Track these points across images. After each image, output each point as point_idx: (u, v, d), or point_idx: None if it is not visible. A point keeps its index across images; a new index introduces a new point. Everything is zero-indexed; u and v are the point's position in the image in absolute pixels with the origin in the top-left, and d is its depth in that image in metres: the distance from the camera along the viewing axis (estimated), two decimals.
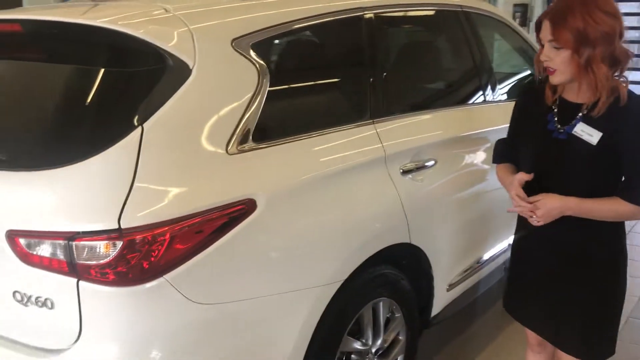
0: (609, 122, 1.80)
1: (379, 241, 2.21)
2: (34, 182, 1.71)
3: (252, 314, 1.82)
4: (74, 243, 1.60)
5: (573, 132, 1.84)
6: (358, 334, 2.31)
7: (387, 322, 2.45)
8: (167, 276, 1.64)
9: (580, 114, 1.85)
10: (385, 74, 2.38)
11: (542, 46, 1.85)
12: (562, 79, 1.82)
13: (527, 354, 2.32)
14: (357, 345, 2.27)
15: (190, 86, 1.76)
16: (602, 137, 1.80)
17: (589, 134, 1.81)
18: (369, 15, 2.34)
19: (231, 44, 1.89)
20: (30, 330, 1.78)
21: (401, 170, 2.33)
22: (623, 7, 8.59)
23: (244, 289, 1.79)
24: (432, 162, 2.49)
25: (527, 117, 2.02)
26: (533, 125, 1.96)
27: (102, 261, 1.60)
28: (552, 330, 2.07)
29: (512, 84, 3.34)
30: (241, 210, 1.76)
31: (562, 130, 1.87)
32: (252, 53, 1.92)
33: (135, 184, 1.62)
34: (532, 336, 2.22)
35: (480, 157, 2.79)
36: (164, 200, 1.65)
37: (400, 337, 2.52)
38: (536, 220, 1.88)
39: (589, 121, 1.82)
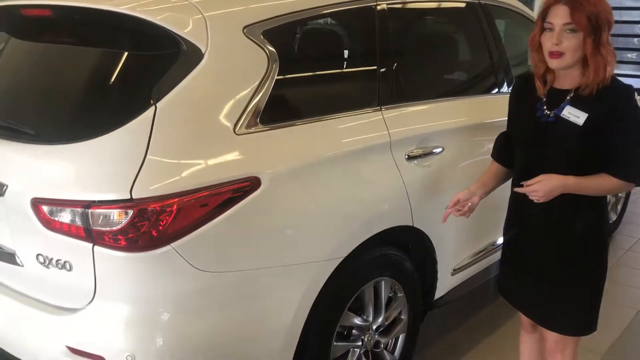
0: (595, 104, 1.89)
1: (380, 222, 2.32)
2: (56, 154, 1.87)
3: (253, 284, 1.95)
4: (90, 211, 1.76)
5: (561, 115, 1.93)
6: (360, 311, 2.42)
7: (389, 301, 2.56)
8: (174, 244, 1.78)
9: (568, 97, 1.95)
10: (395, 63, 2.47)
11: (543, 30, 1.91)
12: (567, 63, 1.89)
13: (520, 335, 2.40)
14: (357, 320, 2.39)
15: (201, 70, 1.89)
16: (587, 118, 1.89)
17: (576, 116, 1.91)
18: (380, 5, 2.43)
19: (243, 31, 2.01)
20: (51, 290, 1.96)
21: (406, 156, 2.42)
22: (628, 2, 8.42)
23: (246, 260, 1.93)
24: (440, 149, 2.58)
25: (518, 106, 2.12)
26: (524, 114, 2.05)
27: (114, 228, 1.75)
28: (537, 309, 2.16)
29: None
30: (246, 186, 1.89)
31: (551, 114, 1.96)
32: (263, 40, 2.04)
33: (147, 159, 1.77)
34: (524, 317, 2.30)
35: (489, 146, 2.85)
36: (173, 174, 1.79)
37: (402, 317, 2.63)
38: (536, 198, 1.96)
39: (576, 104, 1.92)
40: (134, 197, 1.73)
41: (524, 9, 3.43)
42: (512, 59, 3.15)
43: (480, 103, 2.85)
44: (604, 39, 1.88)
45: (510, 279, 2.25)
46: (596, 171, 1.95)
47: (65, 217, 1.81)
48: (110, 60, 1.99)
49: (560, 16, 1.86)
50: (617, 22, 2.11)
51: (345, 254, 2.19)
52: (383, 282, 2.47)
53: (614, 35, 1.95)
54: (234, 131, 1.92)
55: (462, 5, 2.99)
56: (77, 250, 1.82)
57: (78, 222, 1.79)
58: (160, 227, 1.76)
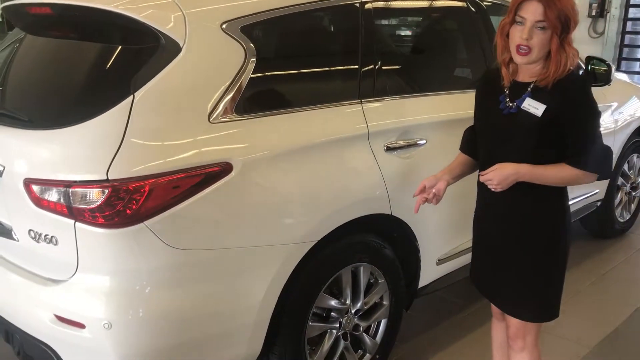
0: (553, 96, 1.96)
1: (355, 209, 2.43)
2: (46, 139, 2.06)
3: (224, 262, 2.10)
4: (71, 190, 1.93)
5: (522, 106, 2.01)
6: (338, 294, 2.54)
7: (370, 286, 2.67)
8: (147, 222, 1.94)
9: (528, 89, 2.02)
10: (376, 59, 2.57)
11: (512, 23, 1.97)
12: (532, 59, 1.97)
13: (492, 322, 2.47)
14: (334, 303, 2.50)
15: (178, 62, 2.04)
16: (546, 109, 1.96)
17: (535, 107, 1.98)
18: (359, 3, 2.54)
19: (221, 27, 2.15)
20: (41, 263, 2.14)
21: (385, 147, 2.52)
22: None
23: (216, 239, 2.07)
24: (423, 142, 2.68)
25: (483, 99, 2.19)
26: (488, 106, 2.14)
27: (92, 205, 1.92)
28: (500, 296, 2.23)
29: None
30: (216, 171, 2.03)
31: (512, 106, 2.04)
32: (241, 35, 2.18)
33: (124, 144, 1.93)
34: (493, 305, 2.36)
35: None
36: (147, 158, 1.95)
37: (383, 302, 2.73)
38: (493, 187, 2.05)
39: (535, 96, 2.00)
40: (109, 177, 1.90)
41: None
42: None
43: (464, 98, 2.92)
44: (569, 37, 1.96)
45: (478, 266, 2.33)
46: (556, 161, 2.01)
47: (52, 195, 1.99)
48: (95, 53, 2.19)
49: (533, 13, 1.92)
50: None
51: (318, 239, 2.31)
52: (362, 268, 2.58)
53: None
54: (209, 120, 2.07)
55: (450, 0, 3.06)
56: (62, 226, 1.99)
57: (62, 200, 1.96)
58: (134, 206, 1.92)
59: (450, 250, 2.94)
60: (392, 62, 2.81)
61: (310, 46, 2.54)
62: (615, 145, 4.13)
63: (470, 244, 2.99)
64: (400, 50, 3.08)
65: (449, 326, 3.34)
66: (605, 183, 4.18)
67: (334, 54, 2.62)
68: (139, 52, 2.10)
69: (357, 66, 2.52)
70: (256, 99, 2.22)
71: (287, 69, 2.44)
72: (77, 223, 1.96)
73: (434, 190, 2.22)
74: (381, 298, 2.72)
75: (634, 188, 4.63)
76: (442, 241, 2.89)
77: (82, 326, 2.01)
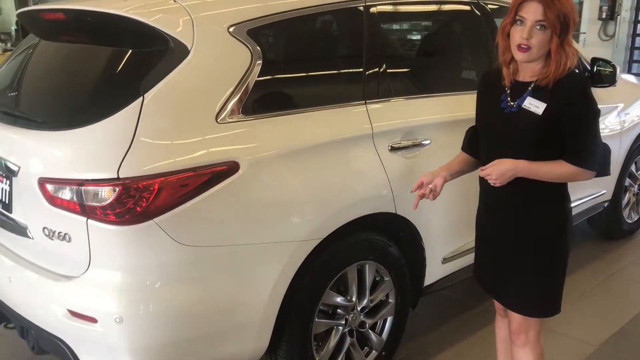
0: (553, 95, 2.01)
1: (360, 208, 2.48)
2: (60, 139, 2.13)
3: (230, 259, 2.16)
4: (83, 188, 2.00)
5: (523, 105, 2.05)
6: (344, 291, 2.59)
7: (376, 284, 2.72)
8: (157, 220, 2.00)
9: (529, 88, 2.06)
10: (381, 61, 2.63)
11: (512, 23, 2.02)
12: (532, 57, 2.01)
13: (495, 319, 2.51)
14: (340, 300, 2.55)
15: (186, 64, 2.11)
16: (546, 108, 2.01)
17: (536, 106, 2.03)
18: (366, 6, 2.59)
19: (228, 30, 2.22)
20: (55, 260, 2.21)
21: (389, 147, 2.58)
22: None
23: (224, 236, 2.13)
24: (427, 142, 2.72)
25: (485, 99, 2.24)
26: (489, 106, 2.18)
27: (104, 203, 1.98)
28: (503, 292, 2.27)
29: None
30: (223, 170, 2.09)
31: (513, 105, 2.09)
32: (247, 38, 2.25)
33: (134, 143, 2.00)
34: (496, 302, 2.40)
35: None
36: (157, 157, 2.01)
37: (389, 300, 2.77)
38: (492, 182, 2.09)
39: (536, 95, 2.04)
40: (120, 176, 1.97)
41: None
42: None
43: (467, 99, 2.97)
44: (569, 37, 2.00)
45: (481, 264, 2.37)
46: (556, 159, 2.05)
47: (65, 194, 2.06)
48: (106, 57, 2.26)
49: (533, 12, 1.96)
50: None
51: (324, 236, 2.36)
52: (367, 266, 2.63)
53: None
54: (216, 120, 2.13)
55: (455, 4, 3.11)
56: (75, 223, 2.06)
57: (75, 198, 2.03)
58: (144, 204, 1.98)
59: (455, 249, 2.98)
60: (396, 64, 2.87)
61: (316, 49, 2.61)
62: (622, 146, 4.15)
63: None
64: (404, 52, 3.14)
65: (455, 325, 3.38)
66: (612, 184, 4.20)
67: (338, 56, 2.69)
68: (148, 55, 2.17)
69: (361, 68, 2.57)
70: (262, 100, 2.28)
71: (292, 71, 2.50)
72: (89, 220, 2.02)
73: (430, 186, 2.26)
74: (387, 296, 2.77)
75: None
76: (447, 240, 2.93)
77: (94, 321, 2.08)
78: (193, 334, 2.12)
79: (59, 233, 2.12)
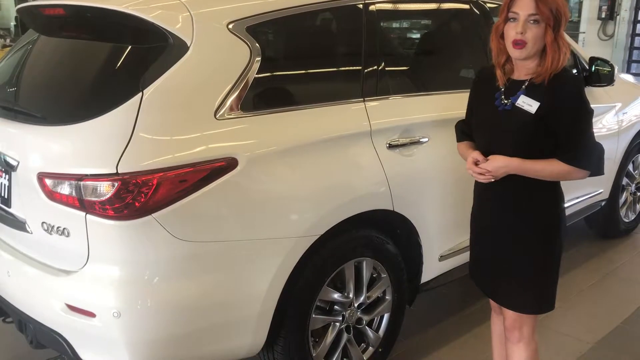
0: (547, 93, 2.02)
1: (357, 205, 2.49)
2: (59, 134, 2.14)
3: (228, 255, 2.17)
4: (82, 183, 2.01)
5: (516, 103, 2.07)
6: (342, 287, 2.60)
7: (373, 280, 2.73)
8: (155, 215, 2.01)
9: (522, 87, 2.08)
10: (380, 59, 2.64)
11: (507, 21, 2.03)
12: (528, 53, 2.02)
13: (491, 316, 2.52)
14: (337, 296, 2.57)
15: (186, 61, 2.12)
16: (540, 106, 2.02)
17: (529, 104, 2.05)
18: (363, 5, 2.60)
19: (227, 27, 2.23)
20: (53, 254, 2.22)
21: (387, 144, 2.59)
22: None
23: (222, 232, 2.14)
24: (425, 139, 2.74)
25: (479, 96, 2.26)
26: (484, 103, 2.20)
27: (102, 198, 1.99)
28: (496, 288, 2.28)
29: None
30: (222, 166, 2.10)
31: (507, 103, 2.10)
32: (246, 34, 2.25)
33: (133, 139, 2.01)
34: (492, 300, 2.42)
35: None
36: (155, 152, 2.03)
37: (386, 297, 2.79)
38: (483, 178, 2.12)
39: (530, 93, 2.06)
40: (119, 171, 1.98)
41: None
42: None
43: (465, 97, 2.98)
44: (562, 31, 2.03)
45: (475, 262, 2.38)
46: (549, 157, 2.06)
47: (64, 189, 2.07)
48: (106, 53, 2.27)
49: (525, 7, 1.98)
50: None
51: (321, 233, 2.37)
52: (364, 262, 2.64)
53: None
54: (215, 116, 2.14)
55: (454, 2, 3.13)
56: (74, 218, 2.07)
57: (73, 193, 2.04)
58: (142, 199, 1.99)
59: (452, 246, 2.99)
60: (395, 62, 2.88)
61: (315, 46, 2.61)
62: (620, 145, 4.17)
63: None
64: (402, 50, 3.14)
65: (451, 322, 3.39)
66: (609, 183, 4.22)
67: (337, 53, 2.69)
68: (148, 51, 2.17)
69: (360, 66, 2.58)
70: (261, 96, 2.29)
71: (291, 68, 2.51)
72: (88, 215, 2.03)
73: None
74: (384, 292, 2.78)
75: (639, 188, 4.66)
76: (444, 238, 2.95)
77: (92, 315, 2.09)
78: (190, 329, 2.13)
79: (57, 228, 2.13)
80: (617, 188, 4.35)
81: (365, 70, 2.58)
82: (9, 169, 2.28)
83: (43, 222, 2.18)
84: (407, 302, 2.91)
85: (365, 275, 2.66)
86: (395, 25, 3.23)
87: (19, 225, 2.31)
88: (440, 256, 2.96)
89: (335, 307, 2.61)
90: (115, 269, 2.08)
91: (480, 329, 3.27)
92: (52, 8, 2.39)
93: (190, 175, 2.05)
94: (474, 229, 2.35)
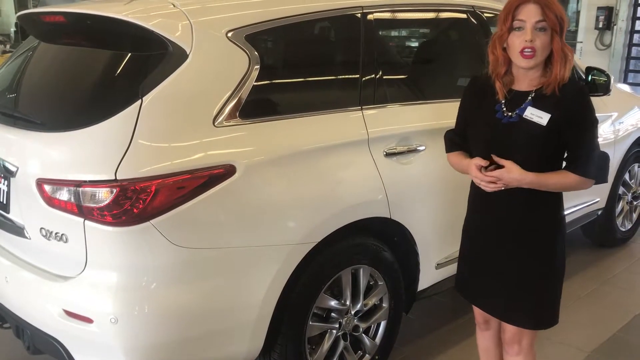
0: (556, 104, 1.98)
1: (355, 212, 2.51)
2: (58, 141, 2.16)
3: (226, 261, 2.18)
4: (80, 189, 2.02)
5: (524, 115, 2.02)
6: (338, 295, 2.61)
7: (370, 288, 2.74)
8: (153, 221, 2.02)
9: (529, 98, 2.04)
10: (377, 68, 2.66)
11: (511, 29, 1.98)
12: (537, 62, 1.98)
13: (476, 332, 2.48)
14: (334, 303, 2.57)
15: (185, 68, 2.14)
16: (550, 118, 1.98)
17: (539, 117, 2.00)
18: (362, 13, 2.62)
19: (226, 35, 2.25)
20: (51, 260, 2.23)
21: (385, 153, 2.60)
22: None
23: (219, 238, 2.15)
24: (422, 148, 2.75)
25: (475, 107, 2.18)
26: (482, 115, 2.14)
27: (101, 204, 2.01)
28: (495, 303, 2.22)
29: None
30: (220, 173, 2.11)
31: (512, 115, 2.05)
32: (245, 43, 2.27)
33: (132, 145, 2.02)
34: (478, 314, 2.38)
35: None
36: (154, 159, 2.04)
37: (383, 304, 2.80)
38: (492, 187, 2.03)
39: (537, 105, 2.02)
40: (118, 177, 1.99)
41: None
42: None
43: None
44: (563, 38, 2.00)
45: (468, 273, 2.31)
46: (554, 167, 2.05)
47: (62, 195, 2.08)
48: (105, 60, 2.29)
49: (532, 14, 1.94)
50: None
51: (318, 240, 2.38)
52: (361, 270, 2.65)
53: None
54: (213, 124, 2.16)
55: (451, 12, 3.15)
56: (72, 224, 2.08)
57: (72, 199, 2.05)
58: (141, 205, 2.00)
59: (449, 254, 2.99)
60: (392, 71, 2.90)
61: (313, 54, 2.64)
62: (616, 154, 4.19)
63: None
64: (400, 59, 3.17)
65: (448, 330, 3.40)
66: (606, 192, 4.23)
67: (335, 62, 2.72)
68: (147, 59, 2.19)
69: (358, 74, 2.60)
70: (259, 104, 2.31)
71: (289, 76, 2.53)
72: (86, 221, 2.04)
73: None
74: (381, 300, 2.79)
75: (635, 197, 4.68)
76: (441, 246, 2.95)
77: (89, 321, 2.09)
78: (187, 335, 2.14)
79: (56, 233, 2.14)
80: (613, 197, 4.37)
81: (363, 79, 2.60)
82: (8, 174, 2.30)
83: (41, 228, 2.18)
84: (403, 310, 2.92)
85: (362, 283, 2.67)
86: (392, 34, 3.27)
87: (17, 230, 2.32)
88: (437, 264, 2.97)
89: (332, 314, 2.62)
90: (113, 275, 2.08)
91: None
92: (53, 15, 2.42)
93: (189, 182, 2.06)
94: (468, 240, 2.29)
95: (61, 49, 2.54)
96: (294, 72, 2.55)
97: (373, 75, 2.63)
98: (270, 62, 2.41)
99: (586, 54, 9.99)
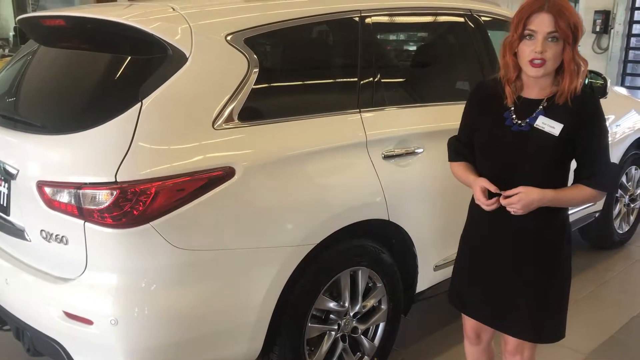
0: (568, 114, 1.94)
1: (353, 214, 2.52)
2: (59, 143, 2.17)
3: (225, 263, 2.19)
4: (81, 191, 2.04)
5: (535, 124, 1.97)
6: (337, 296, 2.62)
7: (368, 290, 2.75)
8: (153, 223, 2.03)
9: (540, 107, 1.99)
10: (374, 71, 2.67)
11: (520, 39, 1.93)
12: (547, 71, 1.94)
13: (465, 346, 2.43)
14: (333, 305, 2.59)
15: (184, 71, 2.15)
16: (563, 129, 1.94)
17: (551, 126, 1.95)
18: (359, 17, 2.65)
19: (225, 38, 2.26)
20: (52, 262, 2.24)
21: (383, 155, 2.62)
22: None
23: (218, 240, 2.17)
24: (420, 150, 2.77)
25: (482, 115, 2.12)
26: (490, 122, 2.07)
27: (101, 207, 2.02)
28: (501, 316, 2.15)
29: None
30: (219, 175, 2.13)
31: (523, 124, 2.00)
32: (244, 46, 2.29)
33: (131, 148, 2.03)
34: (470, 328, 2.33)
35: None
36: (154, 162, 2.05)
37: (382, 306, 2.81)
38: (514, 211, 1.99)
39: (549, 115, 1.97)
40: (118, 180, 2.00)
41: None
42: None
43: (460, 109, 3.02)
44: (577, 47, 1.96)
45: (466, 286, 2.25)
46: (564, 179, 2.03)
47: (63, 197, 2.10)
48: (105, 63, 2.31)
49: (545, 24, 1.89)
50: None
51: (317, 242, 2.40)
52: (360, 271, 2.66)
53: None
54: (213, 126, 2.17)
55: (449, 15, 3.18)
56: (72, 226, 2.09)
57: (72, 201, 2.07)
58: (141, 208, 2.02)
59: (447, 256, 3.00)
60: (390, 74, 2.92)
61: (311, 58, 2.66)
62: (613, 157, 4.19)
63: None
64: (398, 62, 3.19)
65: (446, 331, 3.41)
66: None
67: (334, 65, 2.74)
68: (147, 62, 2.21)
69: (356, 77, 2.62)
70: (258, 107, 2.32)
71: (288, 79, 2.55)
72: (86, 223, 2.06)
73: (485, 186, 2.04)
74: (379, 302, 2.80)
75: (632, 200, 4.70)
76: (439, 248, 2.97)
77: (89, 322, 2.10)
78: (187, 336, 2.15)
79: (56, 236, 2.15)
80: (611, 200, 4.38)
81: (361, 82, 2.62)
82: (8, 177, 2.31)
83: (42, 230, 2.20)
84: (402, 312, 2.93)
85: (361, 285, 2.68)
86: (391, 37, 3.29)
87: (17, 233, 2.33)
88: (435, 266, 2.98)
89: (331, 316, 2.63)
90: (113, 276, 2.10)
91: None
92: (53, 19, 2.44)
93: (188, 184, 2.07)
94: (469, 251, 2.24)
95: (61, 53, 2.55)
96: (293, 75, 2.57)
97: (371, 78, 2.65)
98: (269, 65, 2.43)
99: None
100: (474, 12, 3.20)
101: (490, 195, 2.03)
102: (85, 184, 2.04)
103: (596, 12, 10.43)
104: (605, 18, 10.24)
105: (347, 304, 2.64)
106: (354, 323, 2.71)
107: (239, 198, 2.18)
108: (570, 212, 3.69)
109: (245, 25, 2.33)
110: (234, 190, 2.16)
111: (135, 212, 2.01)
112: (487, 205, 2.03)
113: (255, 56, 2.30)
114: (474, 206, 2.18)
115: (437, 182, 2.83)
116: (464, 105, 2.27)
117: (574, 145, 1.98)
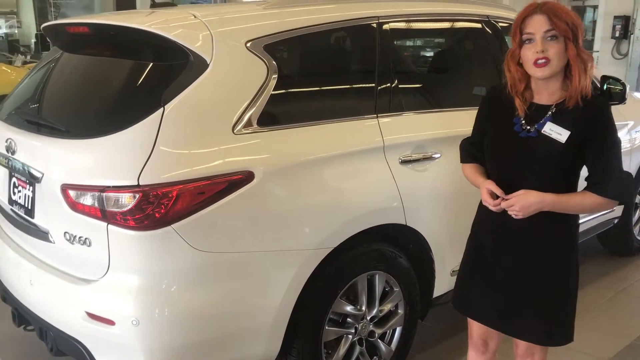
0: (577, 121, 1.94)
1: (370, 219, 2.55)
2: (83, 147, 2.23)
3: (244, 265, 2.23)
4: (104, 194, 2.08)
5: (543, 131, 1.97)
6: (354, 300, 2.64)
7: (385, 294, 2.77)
8: (174, 226, 2.07)
9: (549, 113, 1.99)
10: (392, 76, 2.70)
11: (522, 43, 1.95)
12: (553, 70, 1.93)
13: (469, 354, 2.40)
14: (349, 308, 2.61)
15: (205, 78, 2.20)
16: (570, 136, 1.93)
17: (558, 133, 1.95)
18: (377, 24, 2.68)
19: (245, 45, 2.31)
20: (75, 264, 2.29)
21: (400, 160, 2.64)
22: None
23: (238, 243, 2.20)
24: (437, 155, 2.79)
25: (493, 119, 2.15)
26: (500, 127, 2.09)
27: (124, 209, 2.06)
28: (511, 321, 2.15)
29: None
30: (239, 179, 2.17)
31: (531, 130, 2.00)
32: (263, 52, 2.33)
33: (154, 152, 2.08)
34: (477, 336, 2.31)
35: None
36: (175, 165, 2.10)
37: (399, 310, 2.82)
38: (514, 214, 2.01)
39: (557, 121, 1.97)
40: (140, 183, 2.05)
41: None
42: None
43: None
44: (580, 43, 1.96)
45: (473, 289, 2.24)
46: (572, 186, 2.03)
47: (86, 200, 2.15)
48: (128, 69, 2.36)
49: (540, 24, 1.91)
50: None
51: (334, 245, 2.42)
52: (377, 276, 2.68)
53: None
54: (233, 131, 2.21)
55: (466, 21, 3.20)
56: (95, 228, 2.14)
57: (96, 204, 2.12)
58: (162, 210, 2.06)
59: None
60: (408, 79, 2.95)
61: (329, 63, 2.69)
62: (632, 163, 4.18)
63: None
64: (415, 67, 3.22)
65: (463, 336, 3.35)
66: None
67: (351, 71, 2.77)
68: (169, 68, 2.26)
69: (373, 83, 2.65)
70: (277, 112, 2.36)
71: (306, 85, 2.59)
72: (109, 225, 2.10)
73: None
74: (396, 306, 2.81)
75: None
76: (456, 252, 2.93)
77: (112, 323, 2.15)
78: (207, 337, 2.19)
79: (79, 238, 2.20)
80: (630, 206, 4.35)
81: (379, 87, 2.65)
82: (33, 180, 2.37)
83: (65, 232, 2.25)
84: (419, 316, 2.94)
85: (378, 289, 2.70)
86: (408, 43, 3.31)
87: (41, 235, 2.38)
88: (452, 271, 2.98)
89: (348, 319, 2.65)
90: (135, 278, 2.14)
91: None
92: (77, 26, 2.50)
93: (209, 188, 2.12)
94: (477, 255, 2.24)
95: (85, 59, 2.62)
96: (311, 81, 2.60)
97: (388, 84, 2.68)
98: (288, 71, 2.47)
99: (603, 64, 9.97)
100: (492, 18, 3.22)
101: (495, 197, 2.06)
102: (109, 187, 2.09)
103: (615, 17, 10.38)
104: (624, 23, 10.18)
105: (364, 308, 2.66)
106: (371, 327, 2.73)
107: (257, 202, 2.22)
108: (588, 218, 3.75)
109: (265, 32, 2.37)
110: (253, 194, 2.19)
111: (157, 215, 2.06)
112: (493, 205, 2.05)
113: (274, 62, 2.34)
114: (481, 207, 2.21)
115: (454, 188, 2.84)
116: (477, 113, 2.28)
117: (582, 152, 1.98)
